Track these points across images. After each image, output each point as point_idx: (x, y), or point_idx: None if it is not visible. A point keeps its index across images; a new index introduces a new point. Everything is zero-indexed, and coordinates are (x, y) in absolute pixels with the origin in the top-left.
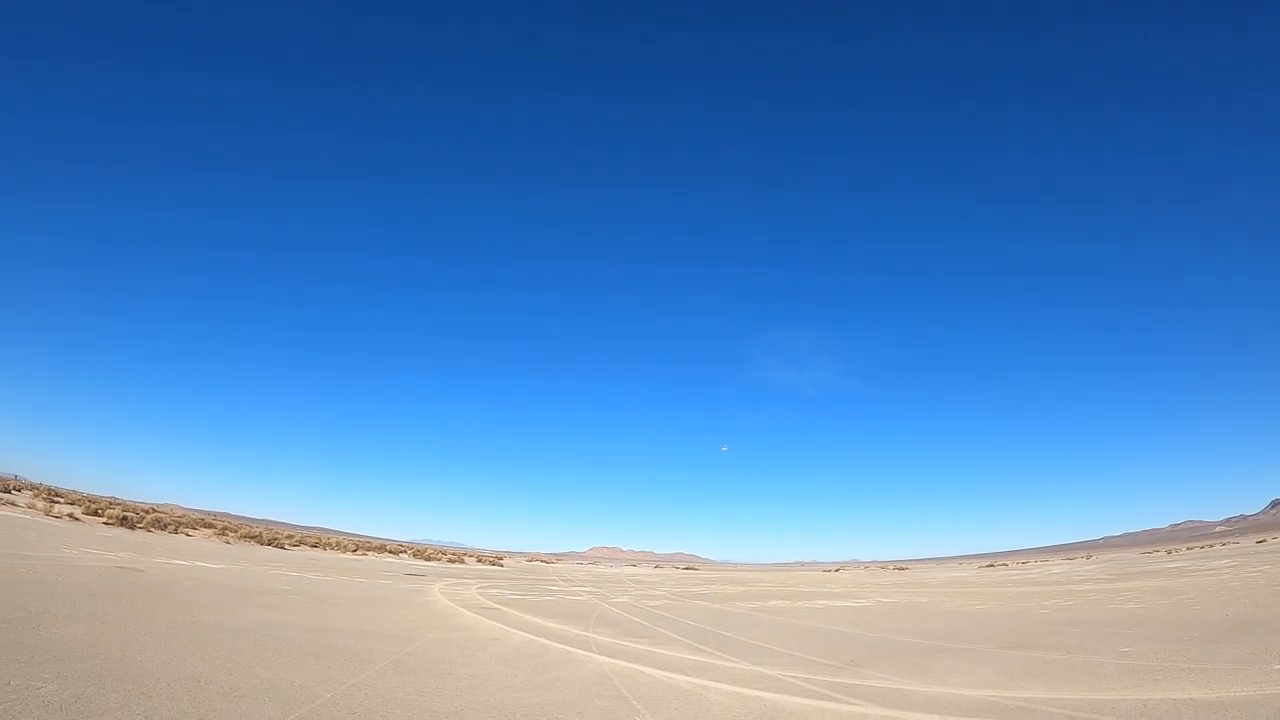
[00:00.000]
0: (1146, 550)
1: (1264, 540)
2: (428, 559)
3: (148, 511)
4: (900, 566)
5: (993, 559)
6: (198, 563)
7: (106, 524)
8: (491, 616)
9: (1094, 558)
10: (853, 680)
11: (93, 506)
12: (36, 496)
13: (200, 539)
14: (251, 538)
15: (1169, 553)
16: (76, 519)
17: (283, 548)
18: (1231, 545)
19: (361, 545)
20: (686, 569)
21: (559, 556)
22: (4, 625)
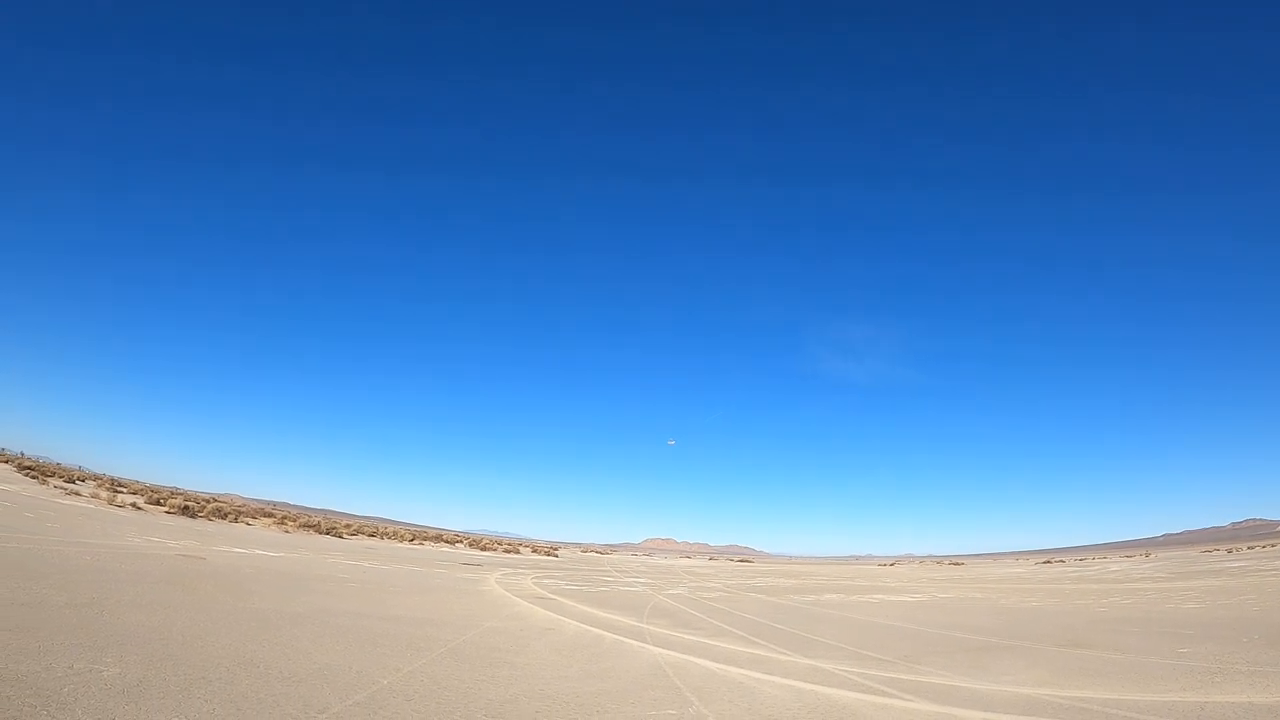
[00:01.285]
0: (1207, 549)
1: None
2: (484, 549)
3: (208, 501)
4: (956, 562)
5: (1050, 555)
6: (257, 551)
7: (168, 513)
8: (546, 606)
9: (1153, 556)
10: (907, 676)
11: (155, 496)
12: (100, 487)
13: (260, 528)
14: (310, 527)
15: (1230, 551)
16: (139, 508)
17: (340, 537)
18: None
19: (418, 535)
20: (741, 561)
21: (614, 548)
22: (69, 610)
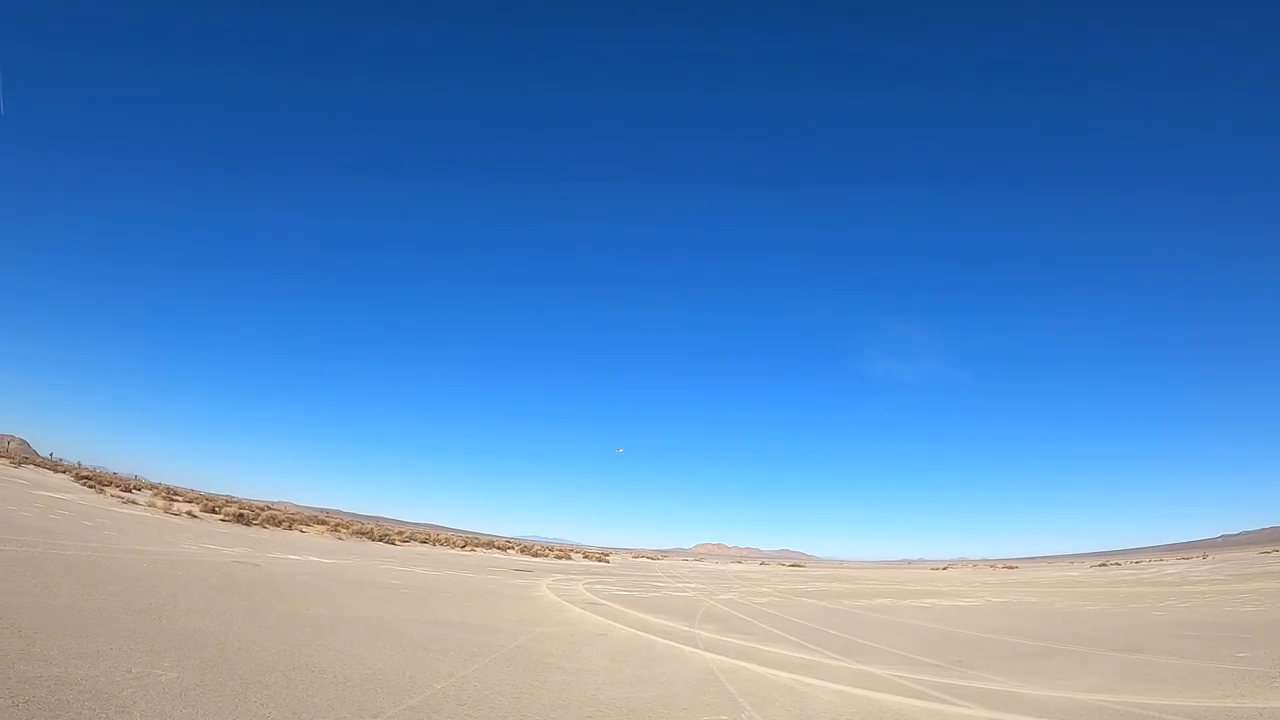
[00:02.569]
0: (1265, 549)
1: None
2: (535, 555)
3: (262, 509)
4: (1010, 565)
5: (1105, 558)
6: (311, 558)
7: (223, 521)
8: (598, 612)
9: (1210, 557)
10: (960, 681)
11: (210, 504)
12: (156, 495)
13: (313, 535)
14: (362, 534)
15: None
16: (194, 516)
17: (393, 543)
18: None
19: (470, 541)
20: (792, 566)
21: (664, 553)
22: (127, 616)
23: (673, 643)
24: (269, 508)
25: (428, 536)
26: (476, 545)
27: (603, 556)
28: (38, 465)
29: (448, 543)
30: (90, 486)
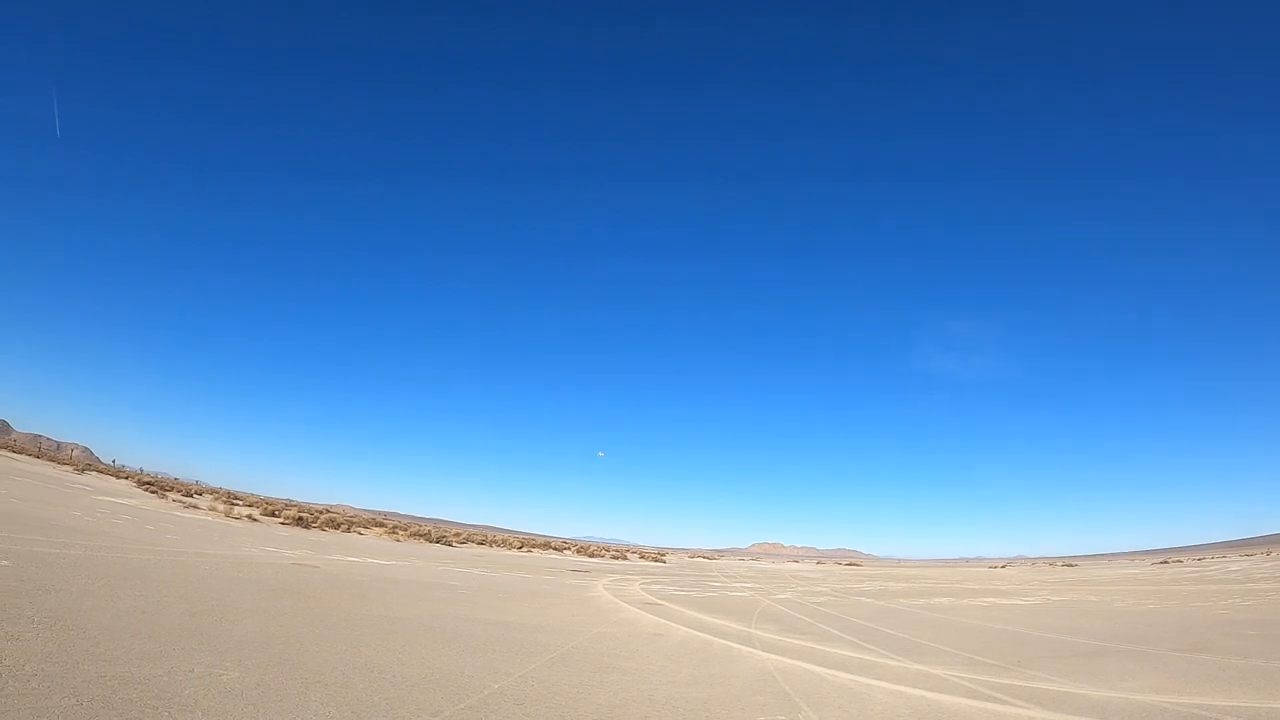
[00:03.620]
0: None
1: None
2: (591, 555)
3: (322, 512)
4: (1069, 563)
5: (1166, 555)
6: (369, 559)
7: (283, 524)
8: (654, 612)
9: (1274, 554)
10: (1019, 682)
11: (269, 508)
12: (217, 499)
13: (371, 537)
14: (420, 535)
15: None
16: (255, 519)
17: (450, 545)
18: None
19: (526, 542)
20: (849, 565)
21: (720, 553)
22: (189, 617)
23: (730, 643)
24: (328, 511)
25: (484, 538)
26: (533, 546)
27: (659, 557)
28: (100, 472)
29: (504, 544)
30: (152, 492)
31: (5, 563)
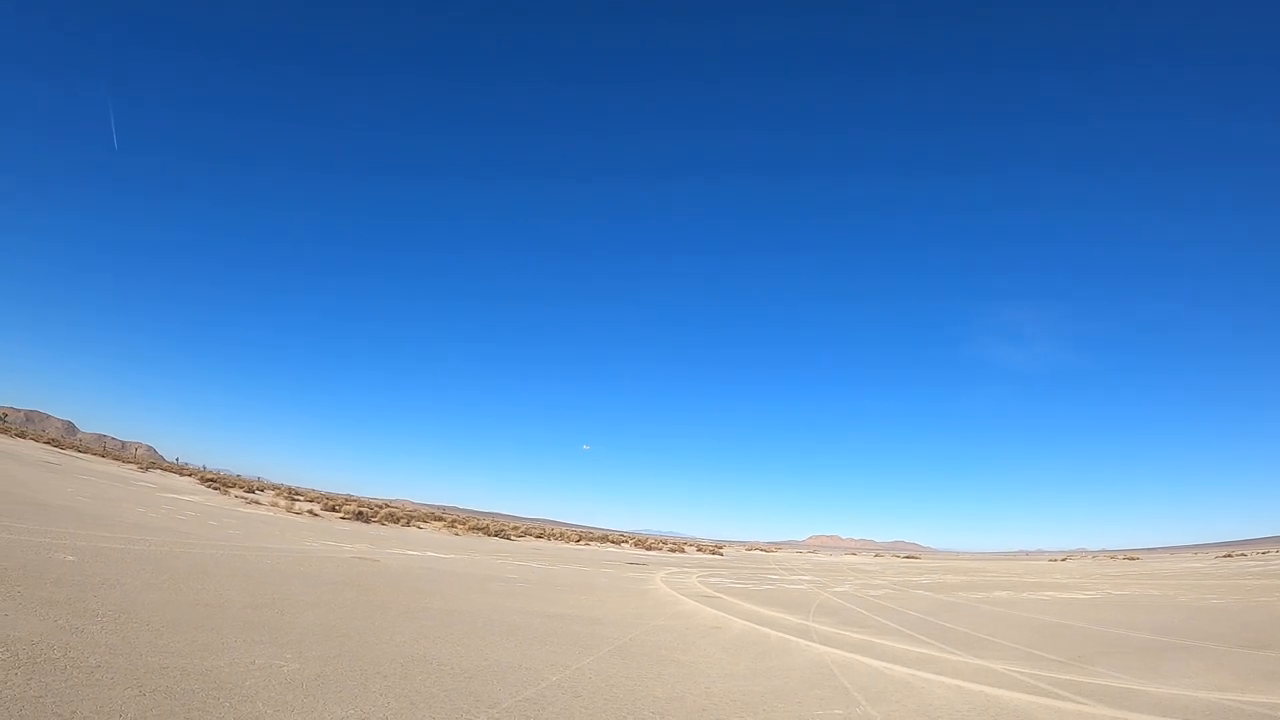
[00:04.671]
0: None
1: None
2: (649, 549)
3: (381, 506)
4: (1130, 556)
5: (1230, 548)
6: (428, 553)
7: (343, 519)
8: (712, 605)
9: None
10: (1080, 677)
11: (330, 503)
12: (278, 495)
13: (430, 531)
14: (479, 529)
15: None
16: (315, 515)
17: (508, 538)
18: None
19: (584, 536)
20: (907, 557)
21: (778, 545)
22: (251, 610)
23: (787, 636)
24: (387, 505)
25: (543, 531)
26: (591, 540)
27: (716, 549)
28: (164, 470)
29: (562, 537)
30: (215, 488)
31: (71, 558)
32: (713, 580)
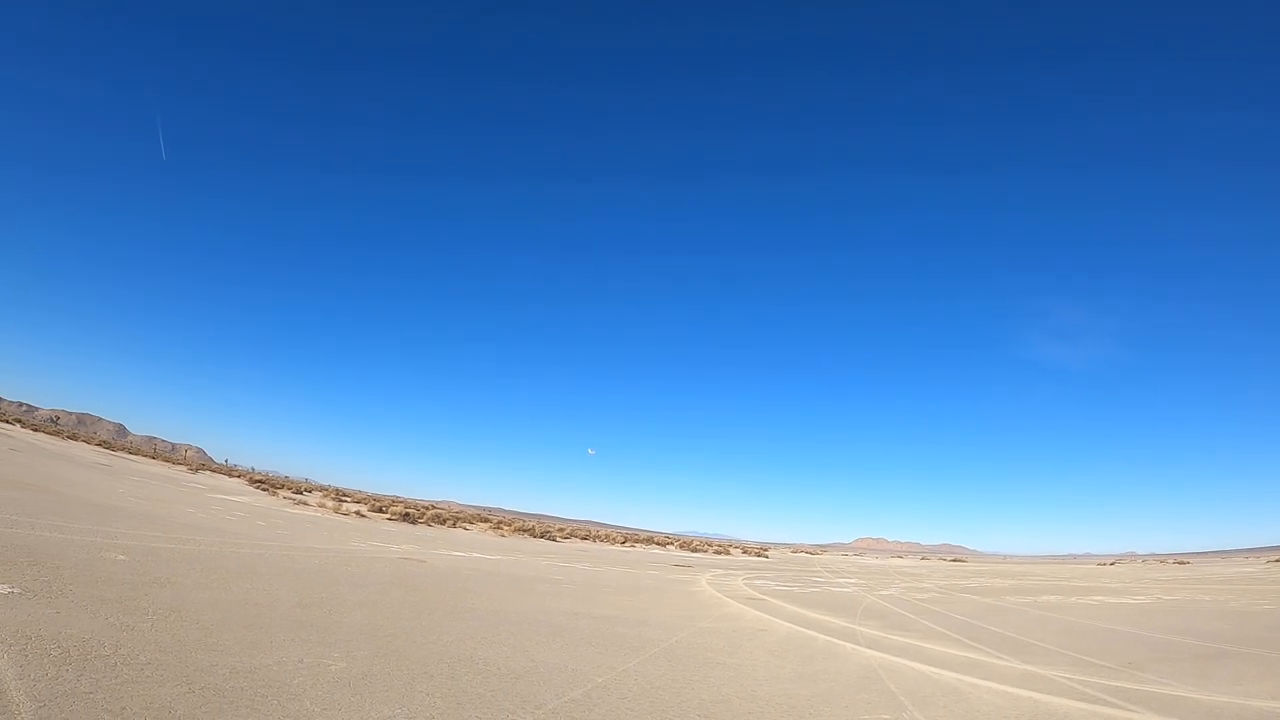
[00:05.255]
0: None
1: None
2: (694, 550)
3: (427, 508)
4: (1180, 560)
5: None
6: (474, 554)
7: (390, 520)
8: (757, 607)
9: None
10: (1130, 684)
11: (376, 504)
12: (326, 496)
13: (476, 532)
14: (524, 531)
15: None
16: (362, 515)
17: (554, 540)
18: None
19: (629, 537)
20: (954, 561)
21: (823, 548)
22: (298, 609)
23: (833, 639)
24: (433, 507)
25: (588, 533)
26: (636, 541)
27: (761, 551)
28: (214, 471)
29: (608, 539)
30: (263, 489)
31: (122, 557)
32: (758, 583)
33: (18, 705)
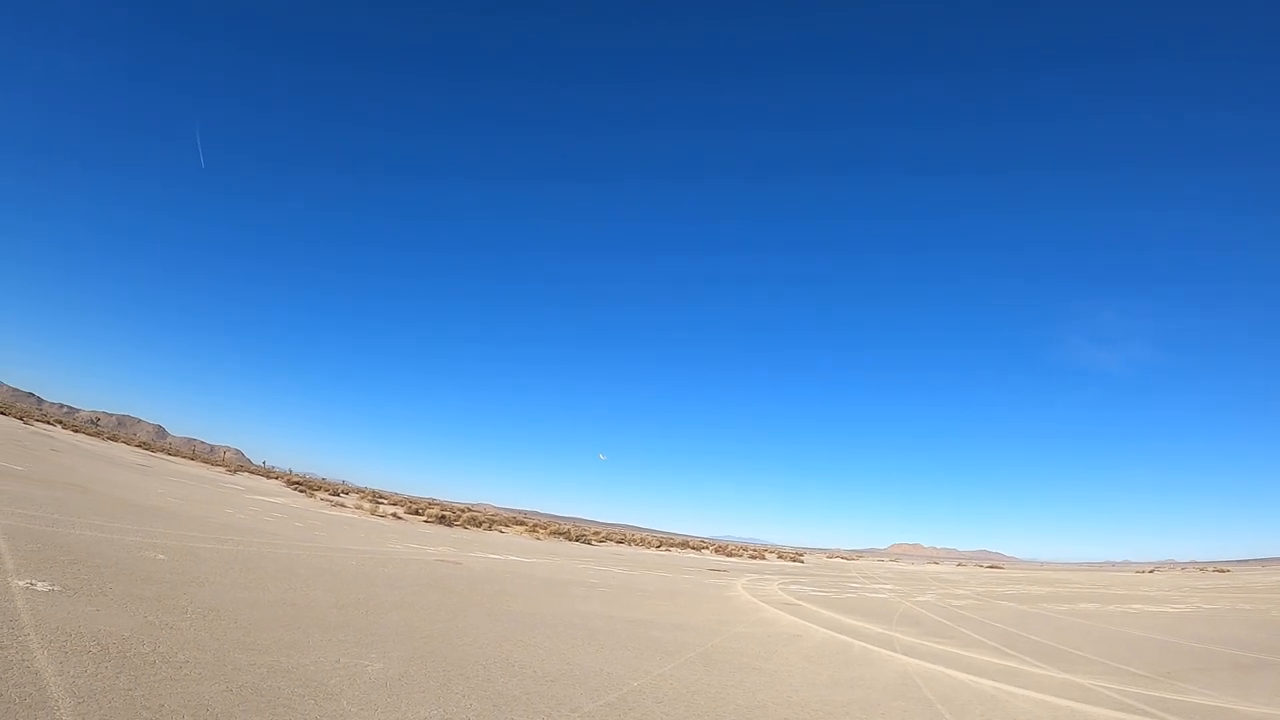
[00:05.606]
0: None
1: None
2: (729, 555)
3: (463, 511)
4: (1221, 569)
5: None
6: (510, 557)
7: (426, 522)
8: (793, 612)
9: None
10: (1169, 694)
11: (413, 506)
12: (363, 498)
13: (512, 535)
14: (560, 534)
15: None
16: (399, 518)
17: (589, 543)
18: None
19: (664, 541)
20: (990, 567)
21: (859, 553)
22: (335, 610)
23: (869, 645)
24: (469, 509)
25: (623, 537)
26: (671, 545)
27: (797, 557)
28: (252, 473)
29: (643, 543)
30: (301, 491)
31: (162, 557)
32: (794, 588)
33: (57, 701)
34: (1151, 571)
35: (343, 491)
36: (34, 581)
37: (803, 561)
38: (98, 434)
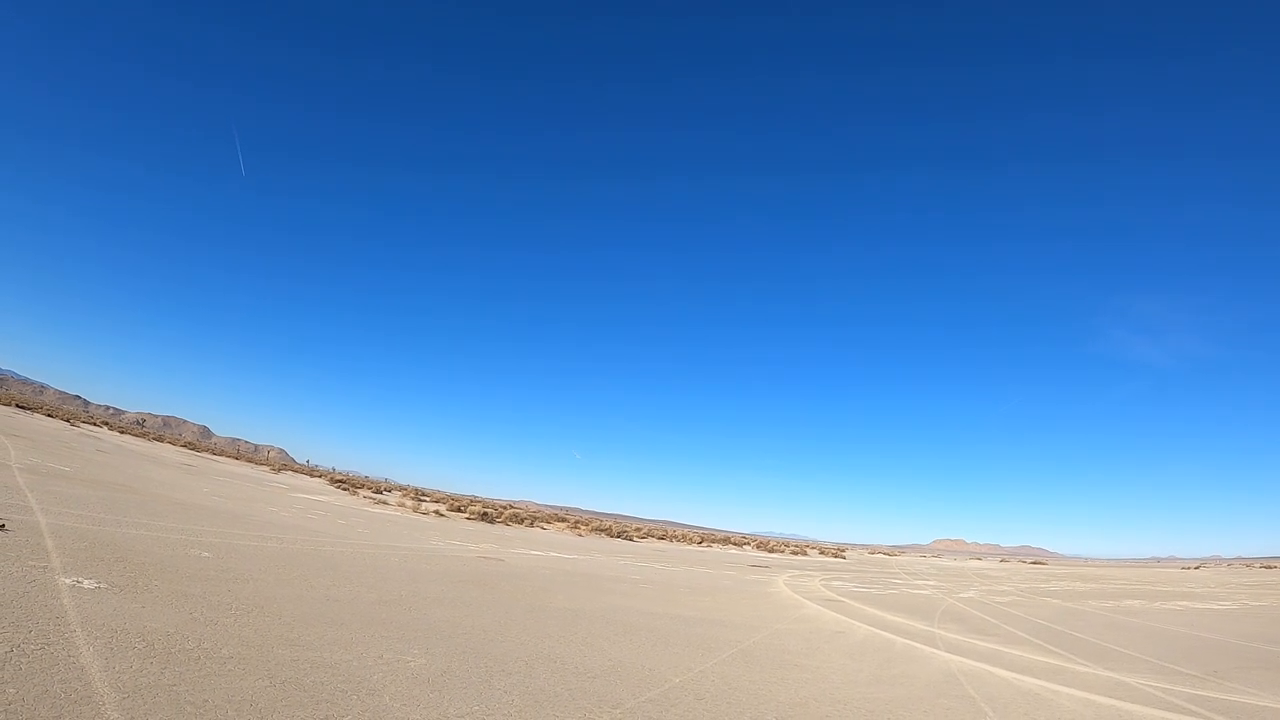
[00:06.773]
0: None
1: None
2: (770, 551)
3: (505, 507)
4: (1268, 564)
5: None
6: (552, 554)
7: (468, 519)
8: (835, 609)
9: None
10: (1216, 694)
11: (455, 504)
12: (405, 496)
13: (554, 532)
14: (601, 530)
15: None
16: (441, 515)
17: (630, 540)
18: None
19: (706, 538)
20: (1034, 564)
21: (901, 549)
22: (378, 606)
23: (912, 642)
24: (511, 506)
25: (665, 533)
26: (713, 541)
27: (838, 553)
28: (295, 471)
29: (684, 539)
30: (344, 489)
31: (207, 554)
32: (835, 584)
33: (102, 697)
34: (1197, 568)
35: (385, 489)
36: (80, 579)
37: (844, 558)
38: (143, 435)
